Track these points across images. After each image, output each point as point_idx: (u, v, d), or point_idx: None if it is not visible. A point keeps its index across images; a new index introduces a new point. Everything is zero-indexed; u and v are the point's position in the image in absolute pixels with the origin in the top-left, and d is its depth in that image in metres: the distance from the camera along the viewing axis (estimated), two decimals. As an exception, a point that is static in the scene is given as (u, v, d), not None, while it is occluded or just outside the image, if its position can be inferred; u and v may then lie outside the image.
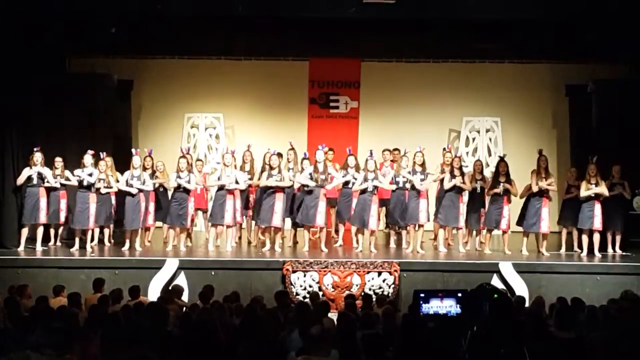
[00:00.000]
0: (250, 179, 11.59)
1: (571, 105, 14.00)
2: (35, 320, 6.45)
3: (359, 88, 14.27)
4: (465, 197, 11.37)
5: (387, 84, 14.33)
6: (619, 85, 12.96)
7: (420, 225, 11.24)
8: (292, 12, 12.15)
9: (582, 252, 11.09)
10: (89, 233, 11.18)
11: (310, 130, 14.19)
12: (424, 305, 4.89)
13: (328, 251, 10.97)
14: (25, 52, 11.60)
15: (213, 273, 9.98)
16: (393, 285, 9.96)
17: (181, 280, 9.84)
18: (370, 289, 9.90)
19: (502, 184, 11.01)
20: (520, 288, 9.76)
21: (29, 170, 11.04)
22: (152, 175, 11.36)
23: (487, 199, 11.40)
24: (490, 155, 14.15)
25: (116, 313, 6.60)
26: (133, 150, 11.60)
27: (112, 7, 11.78)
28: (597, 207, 10.92)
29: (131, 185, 11.00)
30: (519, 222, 11.34)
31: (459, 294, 4.90)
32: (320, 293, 9.68)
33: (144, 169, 11.26)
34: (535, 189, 10.95)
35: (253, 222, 11.97)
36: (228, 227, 11.13)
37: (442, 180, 11.41)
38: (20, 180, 11.10)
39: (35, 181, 11.06)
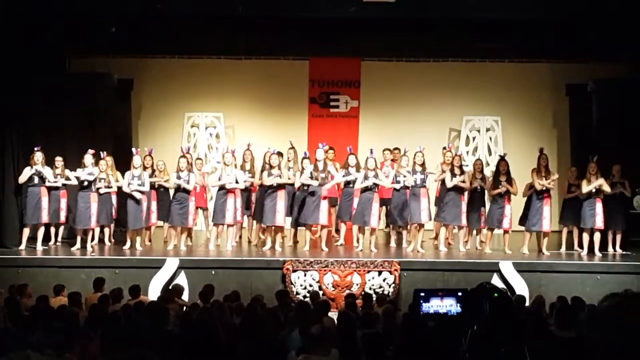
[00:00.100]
0: (251, 177, 11.60)
1: (571, 105, 14.01)
2: (36, 319, 6.45)
3: (359, 87, 14.27)
4: (466, 195, 11.36)
5: (388, 83, 14.33)
6: (619, 84, 12.97)
7: (421, 225, 11.24)
8: (292, 12, 12.16)
9: (582, 251, 11.10)
10: (90, 232, 11.19)
11: (310, 129, 14.19)
12: (424, 304, 4.89)
13: (328, 250, 10.97)
14: (25, 52, 11.60)
15: (213, 272, 9.98)
16: (393, 285, 9.97)
17: (181, 280, 9.85)
18: (370, 288, 9.91)
19: (503, 184, 11.01)
20: (521, 287, 9.76)
21: (30, 170, 11.06)
22: (152, 174, 11.38)
23: (487, 198, 11.42)
24: (490, 154, 14.15)
25: (116, 312, 6.61)
26: (133, 150, 11.61)
27: (112, 7, 11.79)
28: (599, 206, 10.93)
29: (136, 192, 10.98)
30: (522, 222, 11.34)
31: (459, 293, 4.89)
32: (321, 292, 9.68)
33: (144, 168, 11.27)
34: (538, 187, 10.96)
35: (254, 222, 11.98)
36: (229, 226, 11.14)
37: (442, 180, 11.41)
38: (22, 179, 11.12)
39: (36, 180, 11.07)
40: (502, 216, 11.05)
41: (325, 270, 10.03)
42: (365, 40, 13.26)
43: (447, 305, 4.87)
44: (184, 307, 7.99)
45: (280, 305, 7.86)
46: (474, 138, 14.41)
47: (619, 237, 11.30)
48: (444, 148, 11.92)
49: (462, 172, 11.19)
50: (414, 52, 13.85)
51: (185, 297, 9.04)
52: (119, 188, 11.35)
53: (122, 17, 12.12)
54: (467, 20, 12.35)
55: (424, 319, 5.13)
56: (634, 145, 12.04)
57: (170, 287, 9.22)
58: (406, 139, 12.72)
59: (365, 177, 10.99)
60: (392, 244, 11.77)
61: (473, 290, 4.65)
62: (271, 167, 11.15)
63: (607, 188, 10.98)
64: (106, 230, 11.65)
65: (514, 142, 14.02)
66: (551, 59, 13.78)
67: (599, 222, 10.94)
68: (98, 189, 11.11)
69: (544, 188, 10.98)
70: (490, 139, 14.36)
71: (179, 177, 11.10)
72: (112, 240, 11.76)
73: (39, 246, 11.07)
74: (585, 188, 10.92)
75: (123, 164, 11.68)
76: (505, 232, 11.12)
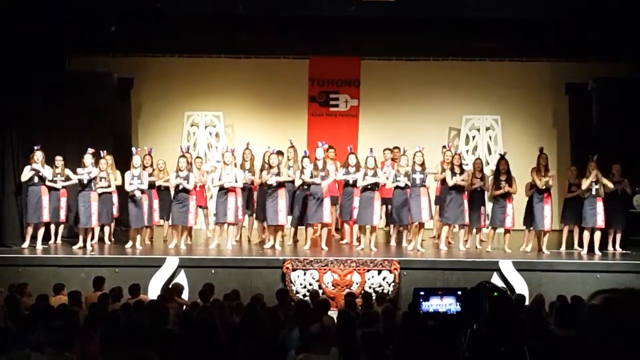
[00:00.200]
0: (252, 176, 11.59)
1: (571, 104, 14.00)
2: (36, 318, 6.46)
3: (359, 86, 14.26)
4: (467, 194, 11.36)
5: (387, 82, 14.32)
6: (619, 83, 12.96)
7: (421, 224, 11.24)
8: (292, 11, 12.15)
9: (582, 250, 11.10)
10: (90, 231, 11.20)
11: (310, 128, 14.18)
12: (423, 303, 4.89)
13: (328, 249, 10.97)
14: (25, 51, 11.60)
15: (213, 271, 9.98)
16: (393, 284, 9.97)
17: (181, 279, 9.85)
18: (370, 287, 9.91)
19: (503, 183, 11.02)
20: (521, 286, 9.76)
21: (30, 168, 11.07)
22: (152, 174, 11.39)
23: (487, 197, 11.43)
24: (490, 153, 14.15)
25: (116, 311, 6.61)
26: (133, 150, 11.61)
27: (112, 6, 11.79)
28: (600, 205, 10.93)
29: (137, 190, 10.99)
30: (525, 223, 11.33)
31: (459, 292, 4.90)
32: (320, 291, 9.67)
33: (144, 167, 11.27)
34: (540, 185, 10.96)
35: (254, 221, 11.99)
36: (230, 225, 11.14)
37: (442, 179, 11.41)
38: (24, 177, 11.14)
39: (36, 180, 11.08)
40: (505, 215, 11.06)
41: (325, 269, 10.03)
42: (365, 39, 13.25)
43: (446, 304, 4.87)
44: (184, 306, 7.99)
45: (280, 304, 7.87)
46: (473, 137, 14.40)
47: (619, 236, 11.30)
48: (444, 147, 11.92)
49: (462, 171, 11.19)
50: (413, 51, 13.85)
51: (185, 296, 9.05)
52: (120, 187, 11.37)
53: (121, 16, 12.11)
54: (467, 19, 12.34)
55: (424, 318, 5.13)
56: (634, 144, 12.03)
57: (170, 286, 9.21)
58: (406, 137, 12.72)
59: (365, 176, 11.00)
60: (392, 242, 11.77)
61: (473, 289, 4.65)
62: (270, 166, 11.15)
63: (607, 182, 10.97)
64: (106, 229, 11.65)
65: (513, 141, 14.02)
66: (551, 58, 13.77)
67: (600, 221, 10.94)
68: (98, 188, 11.12)
69: (544, 187, 10.98)
70: (490, 138, 14.36)
71: (178, 177, 11.11)
72: (112, 239, 11.76)
73: (39, 245, 11.08)
74: (585, 184, 10.93)
75: (123, 163, 11.68)
76: (507, 231, 11.12)
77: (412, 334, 5.51)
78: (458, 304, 4.84)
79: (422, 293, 4.94)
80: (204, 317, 6.08)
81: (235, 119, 14.53)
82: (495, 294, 4.41)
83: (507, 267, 10.05)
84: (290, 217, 11.53)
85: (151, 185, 11.39)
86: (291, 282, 9.95)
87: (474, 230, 11.57)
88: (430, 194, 11.59)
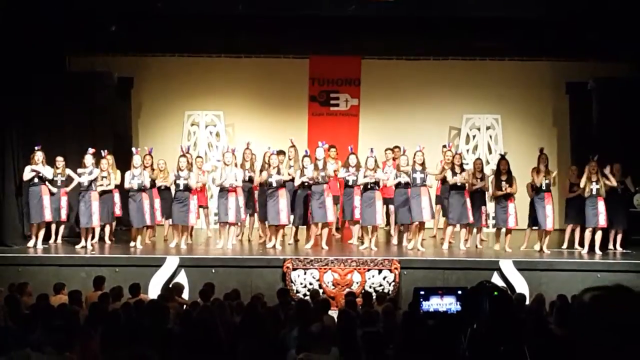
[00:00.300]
0: (252, 176, 11.60)
1: (571, 103, 13.99)
2: (36, 318, 6.46)
3: (360, 86, 14.26)
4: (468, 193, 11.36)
5: (388, 82, 14.32)
6: (619, 83, 12.95)
7: (422, 223, 11.23)
8: (292, 10, 12.15)
9: (583, 249, 11.09)
10: (91, 231, 11.20)
11: (310, 128, 14.17)
12: (424, 302, 4.89)
13: (328, 249, 10.98)
14: (25, 51, 11.60)
15: (213, 271, 9.97)
16: (393, 283, 9.97)
17: (181, 278, 9.85)
18: (370, 287, 9.91)
19: (503, 183, 11.03)
20: (521, 285, 9.75)
21: (30, 168, 11.08)
22: (152, 173, 11.40)
23: (487, 197, 11.43)
24: (490, 152, 14.15)
25: (116, 311, 6.61)
26: (133, 149, 11.62)
27: (112, 6, 11.78)
28: (601, 204, 10.91)
29: (132, 186, 11.03)
30: (530, 224, 11.32)
31: (459, 292, 4.90)
32: (321, 291, 9.67)
33: (144, 167, 11.27)
34: (538, 183, 10.97)
35: (254, 220, 11.99)
36: (232, 225, 11.14)
37: (443, 179, 11.40)
38: (25, 177, 11.15)
39: (36, 180, 11.09)
40: (507, 215, 11.07)
41: (325, 269, 10.03)
42: (366, 38, 13.24)
43: (447, 304, 4.87)
44: (184, 306, 7.99)
45: (281, 303, 7.87)
46: (474, 136, 14.40)
47: (619, 236, 11.30)
48: (444, 146, 11.91)
49: (463, 171, 11.19)
50: (414, 50, 13.83)
51: (185, 295, 9.05)
52: (120, 186, 11.38)
53: (122, 15, 12.11)
54: (467, 18, 12.34)
55: (424, 318, 5.13)
56: (634, 144, 12.03)
57: (170, 286, 9.22)
58: (406, 137, 12.72)
59: (365, 177, 11.00)
60: (393, 242, 11.77)
61: (473, 289, 4.65)
62: (270, 167, 11.16)
63: (611, 178, 10.95)
64: (107, 228, 11.65)
65: (514, 141, 14.02)
66: (551, 57, 13.76)
67: (602, 221, 10.93)
68: (98, 186, 11.13)
69: (541, 185, 10.99)
70: (491, 137, 14.36)
71: (178, 177, 11.11)
72: (113, 238, 11.76)
73: (39, 245, 11.09)
74: (581, 183, 10.93)
75: (123, 163, 11.68)
76: (508, 231, 11.12)
77: (412, 333, 5.51)
78: (458, 303, 4.84)
79: (422, 292, 4.94)
80: (205, 316, 6.08)
81: (236, 118, 14.52)
82: (496, 293, 4.41)
83: (507, 266, 10.04)
84: (292, 217, 11.52)
85: (152, 184, 11.40)
86: (291, 282, 9.95)
87: (474, 230, 11.57)
88: (431, 193, 11.60)
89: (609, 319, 1.93)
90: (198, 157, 12.63)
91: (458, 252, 11.04)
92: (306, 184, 11.08)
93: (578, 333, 1.95)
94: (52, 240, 11.48)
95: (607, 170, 11.00)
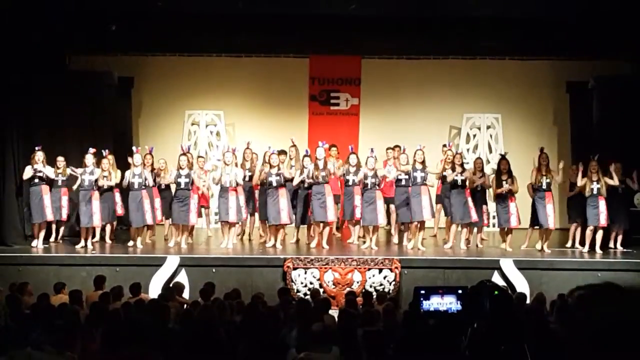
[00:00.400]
0: (251, 176, 11.60)
1: (572, 102, 13.99)
2: (36, 317, 6.46)
3: (360, 85, 14.25)
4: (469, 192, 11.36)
5: (388, 81, 14.32)
6: (620, 82, 12.94)
7: (422, 222, 11.23)
8: (292, 9, 12.14)
9: (583, 248, 11.10)
10: (92, 230, 11.21)
11: (310, 127, 14.17)
12: (424, 302, 4.88)
13: (329, 248, 10.98)
14: (25, 51, 11.60)
15: (214, 270, 9.98)
16: (394, 282, 9.97)
17: (182, 278, 9.85)
18: (371, 286, 9.91)
19: (504, 183, 11.03)
20: (521, 285, 9.76)
21: (31, 168, 11.09)
22: (152, 173, 11.41)
23: (488, 196, 11.43)
24: (491, 151, 14.15)
25: (117, 310, 6.62)
26: (134, 149, 11.62)
27: (112, 5, 11.78)
28: (602, 204, 10.91)
29: (132, 184, 11.05)
30: (532, 224, 11.31)
31: (460, 291, 4.89)
32: (321, 290, 9.69)
33: (144, 167, 11.28)
34: (537, 182, 10.98)
35: (255, 219, 11.99)
36: (233, 224, 11.14)
37: (443, 178, 11.40)
38: (25, 176, 11.15)
39: (37, 180, 11.09)
40: (509, 214, 11.08)
41: (325, 268, 10.03)
42: (366, 38, 13.22)
43: (447, 303, 4.86)
44: (185, 305, 7.99)
45: (281, 303, 7.87)
46: (474, 135, 14.40)
47: (620, 235, 11.30)
48: (444, 146, 11.92)
49: (463, 170, 11.19)
50: (414, 49, 13.82)
51: (185, 294, 9.05)
52: (120, 185, 11.38)
53: (122, 15, 12.10)
54: (468, 18, 12.33)
55: (425, 317, 5.13)
56: (634, 143, 12.02)
57: (170, 285, 9.22)
58: (406, 136, 12.73)
59: (365, 177, 11.00)
60: (394, 241, 11.77)
61: (473, 288, 4.64)
62: (271, 166, 11.16)
63: (611, 178, 10.95)
64: (107, 227, 11.66)
65: (514, 140, 14.02)
66: (552, 56, 13.75)
67: (603, 220, 10.93)
68: (100, 187, 11.14)
69: (544, 186, 10.99)
70: (491, 136, 14.36)
71: (179, 176, 11.12)
72: (113, 238, 11.77)
73: (40, 244, 11.10)
74: (580, 182, 10.92)
75: (124, 162, 11.68)
76: (510, 230, 11.12)
77: (412, 332, 5.50)
78: (459, 302, 4.83)
79: (422, 292, 4.93)
80: (205, 316, 6.08)
81: (236, 117, 14.53)
82: (496, 292, 4.40)
83: (508, 265, 10.04)
84: (293, 216, 11.52)
85: (153, 181, 11.41)
86: (292, 281, 9.95)
87: (475, 230, 11.57)
88: (431, 192, 11.60)
89: (594, 317, 1.93)
90: (199, 156, 12.64)
91: (458, 251, 11.04)
92: (306, 184, 11.07)
93: (569, 331, 1.96)
94: (52, 239, 11.49)
95: (612, 168, 11.00)
